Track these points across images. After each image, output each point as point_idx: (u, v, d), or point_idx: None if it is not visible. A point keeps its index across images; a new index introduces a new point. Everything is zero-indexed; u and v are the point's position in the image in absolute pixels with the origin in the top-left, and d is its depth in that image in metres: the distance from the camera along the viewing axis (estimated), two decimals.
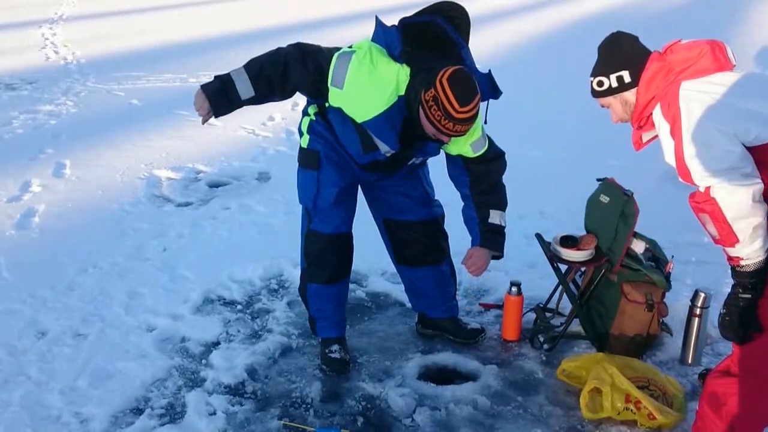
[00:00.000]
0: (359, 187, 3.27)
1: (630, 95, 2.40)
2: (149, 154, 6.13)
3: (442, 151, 3.10)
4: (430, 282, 3.40)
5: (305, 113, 3.15)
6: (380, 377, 3.20)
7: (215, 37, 11.73)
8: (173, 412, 2.97)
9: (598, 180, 3.42)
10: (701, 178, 2.17)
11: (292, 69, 2.86)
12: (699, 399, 2.50)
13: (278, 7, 15.09)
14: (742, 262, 2.20)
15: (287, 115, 7.30)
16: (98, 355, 3.31)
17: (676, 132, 2.21)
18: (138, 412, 2.96)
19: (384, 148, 2.92)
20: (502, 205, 3.12)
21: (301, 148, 3.15)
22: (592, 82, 2.47)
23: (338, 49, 2.90)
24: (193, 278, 4.04)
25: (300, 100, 8.11)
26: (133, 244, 4.46)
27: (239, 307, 3.80)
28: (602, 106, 2.53)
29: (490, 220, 3.08)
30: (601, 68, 2.44)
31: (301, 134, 3.16)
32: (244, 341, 3.47)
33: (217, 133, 6.79)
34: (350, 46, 2.91)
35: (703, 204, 2.17)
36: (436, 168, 3.33)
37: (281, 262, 4.18)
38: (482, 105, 2.86)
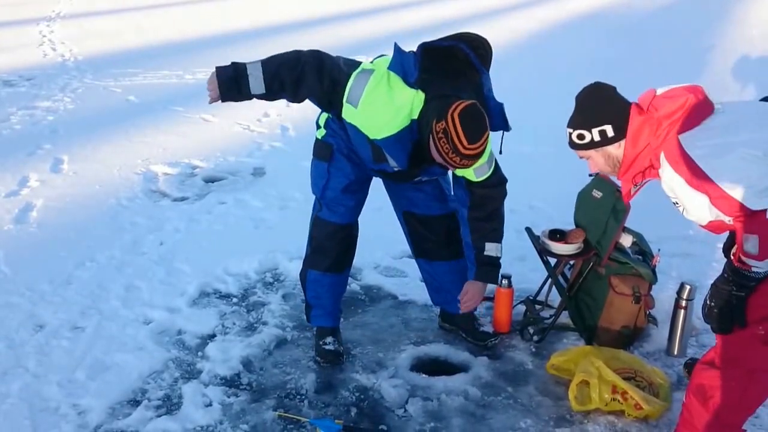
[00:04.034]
0: (381, 180, 3.29)
1: (613, 149, 2.35)
2: (146, 149, 6.16)
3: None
4: (448, 276, 3.40)
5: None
6: (373, 368, 3.25)
7: (212, 34, 11.73)
8: (170, 404, 3.01)
9: (590, 175, 3.46)
10: (755, 201, 2.09)
11: (307, 78, 2.85)
12: (686, 390, 2.53)
13: (275, 5, 15.07)
14: (754, 269, 2.18)
15: (282, 111, 7.33)
16: (96, 348, 3.36)
17: (700, 182, 2.14)
18: (135, 403, 3.00)
19: (392, 163, 2.95)
20: (497, 237, 3.12)
21: (316, 140, 3.19)
22: (570, 134, 2.40)
23: (358, 65, 2.91)
24: (190, 272, 4.08)
25: None
26: (130, 238, 4.50)
27: (235, 300, 3.85)
28: (580, 158, 2.47)
29: (485, 253, 3.10)
30: (582, 121, 2.36)
31: (318, 126, 3.18)
32: (240, 333, 3.52)
33: (213, 129, 6.83)
34: (372, 61, 2.94)
35: (762, 226, 2.10)
36: None
37: (276, 255, 4.23)
38: (496, 134, 2.87)
